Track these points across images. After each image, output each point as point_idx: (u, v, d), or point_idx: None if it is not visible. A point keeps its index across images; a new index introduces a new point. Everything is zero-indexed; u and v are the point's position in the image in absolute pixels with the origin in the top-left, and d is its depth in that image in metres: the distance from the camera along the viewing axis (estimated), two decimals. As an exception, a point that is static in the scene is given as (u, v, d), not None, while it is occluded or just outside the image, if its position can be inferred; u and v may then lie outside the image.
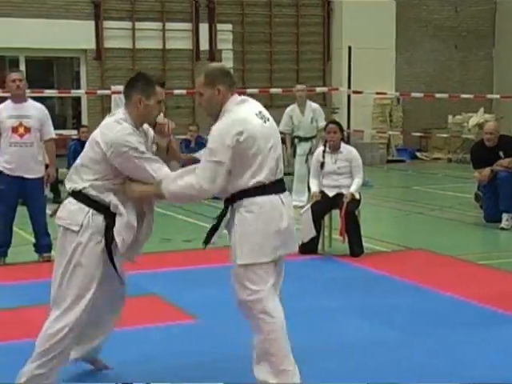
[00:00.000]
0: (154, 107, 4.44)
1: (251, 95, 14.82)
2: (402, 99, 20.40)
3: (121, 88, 16.36)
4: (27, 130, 8.01)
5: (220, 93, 4.26)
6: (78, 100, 18.90)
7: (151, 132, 4.60)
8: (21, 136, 7.99)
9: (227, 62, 19.60)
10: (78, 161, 4.48)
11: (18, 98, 8.08)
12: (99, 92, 17.59)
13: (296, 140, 12.18)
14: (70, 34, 17.82)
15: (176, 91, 17.06)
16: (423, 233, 10.08)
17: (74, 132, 16.30)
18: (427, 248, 8.78)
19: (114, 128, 4.32)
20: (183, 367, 4.98)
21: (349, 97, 18.58)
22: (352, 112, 18.58)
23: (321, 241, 8.65)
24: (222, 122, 4.20)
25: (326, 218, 8.77)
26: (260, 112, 4.29)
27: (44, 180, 8.29)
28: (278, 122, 13.84)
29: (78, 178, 4.41)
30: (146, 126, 4.55)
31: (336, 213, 8.61)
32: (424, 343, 5.46)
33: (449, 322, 6.01)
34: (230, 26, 19.65)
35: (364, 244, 8.56)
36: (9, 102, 8.14)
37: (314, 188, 8.65)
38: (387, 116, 20.46)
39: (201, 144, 13.82)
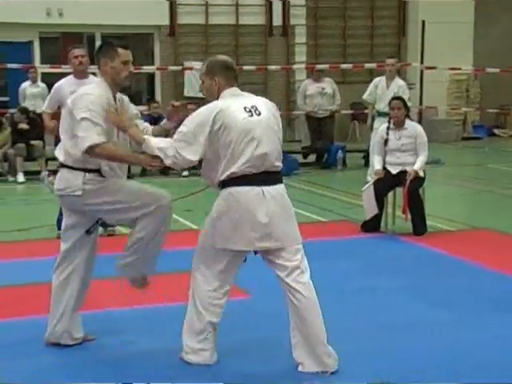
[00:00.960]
0: (120, 68, 4.78)
1: (322, 71, 14.83)
2: (478, 75, 19.89)
3: (194, 64, 16.55)
4: None
5: (217, 84, 4.49)
6: (152, 76, 19.07)
7: (126, 99, 5.10)
8: None
9: (300, 37, 19.49)
10: None
11: (80, 74, 8.15)
12: (171, 68, 17.64)
13: (375, 114, 12.01)
14: (145, 11, 17.96)
15: (247, 67, 16.96)
16: (491, 212, 9.84)
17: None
18: (494, 228, 8.56)
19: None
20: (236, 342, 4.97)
21: (421, 72, 18.20)
22: (425, 88, 18.20)
23: (384, 219, 8.52)
24: (206, 106, 4.42)
25: (390, 195, 8.64)
26: (252, 106, 4.42)
27: None
28: (351, 98, 13.39)
29: None
30: (119, 95, 4.97)
31: (400, 191, 8.46)
32: (480, 326, 5.31)
33: (509, 306, 5.83)
34: (303, 1, 19.44)
35: (429, 223, 8.41)
36: (71, 77, 8.21)
37: (377, 165, 8.51)
38: (464, 92, 19.99)
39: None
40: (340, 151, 13.99)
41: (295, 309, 4.47)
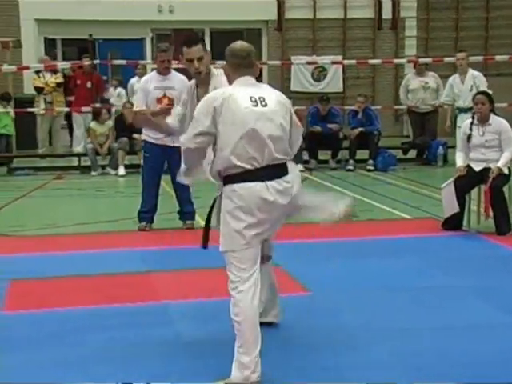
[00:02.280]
0: (187, 64, 5.42)
1: (426, 65, 14.33)
2: None
3: (301, 58, 16.59)
4: (171, 101, 8.25)
5: (226, 71, 4.51)
6: (260, 69, 19.20)
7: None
8: None
9: (410, 30, 19.16)
10: None
11: (164, 70, 8.34)
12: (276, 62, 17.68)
13: (456, 111, 11.73)
14: (253, 6, 18.13)
15: (373, 61, 16.81)
16: None
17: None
18: None
19: None
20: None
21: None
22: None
23: (466, 217, 8.28)
24: (213, 92, 4.44)
25: (475, 193, 8.39)
26: (260, 97, 4.23)
27: None
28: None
29: None
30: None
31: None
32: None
33: None
34: (414, -7, 19.14)
35: (514, 222, 8.11)
36: (154, 73, 8.45)
37: (459, 162, 8.28)
38: None
39: (368, 115, 13.59)
40: (441, 147, 13.66)
41: None
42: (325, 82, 18.71)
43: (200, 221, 8.86)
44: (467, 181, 8.10)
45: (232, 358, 4.20)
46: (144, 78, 8.61)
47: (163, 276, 6.54)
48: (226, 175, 4.27)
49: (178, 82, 8.39)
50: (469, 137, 8.21)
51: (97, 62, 16.01)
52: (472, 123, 8.24)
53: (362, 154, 13.59)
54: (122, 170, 13.01)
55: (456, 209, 8.04)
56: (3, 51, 15.61)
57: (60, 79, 15.24)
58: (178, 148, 8.18)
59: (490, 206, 7.94)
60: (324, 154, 13.99)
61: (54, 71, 15.18)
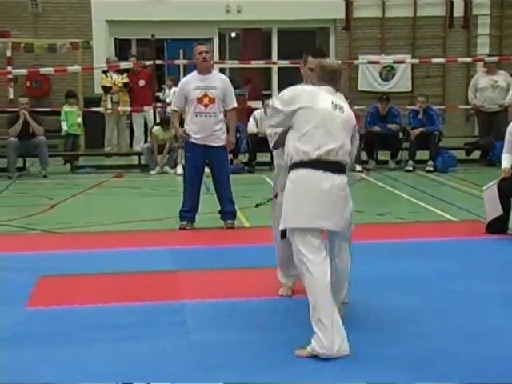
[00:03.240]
0: (305, 73, 5.53)
1: (495, 63, 13.95)
2: None
3: (369, 57, 16.45)
4: (212, 100, 8.30)
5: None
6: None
7: None
8: (205, 106, 8.28)
9: (483, 28, 18.74)
10: None
11: (204, 70, 8.37)
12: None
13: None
14: (321, 5, 18.05)
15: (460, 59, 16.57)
16: None
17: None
18: None
19: None
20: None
21: None
22: None
23: (512, 220, 8.07)
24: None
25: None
26: (338, 105, 4.85)
27: (227, 148, 8.57)
28: None
29: None
30: None
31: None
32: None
33: None
34: (488, -9, 18.70)
35: None
36: (195, 73, 8.46)
37: (505, 164, 8.05)
38: None
39: (429, 115, 13.37)
40: (505, 148, 13.29)
41: None
42: (393, 81, 18.49)
43: (243, 220, 8.94)
44: (511, 183, 7.88)
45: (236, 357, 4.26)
46: (184, 79, 8.66)
47: (191, 275, 6.57)
48: None
49: (219, 81, 8.45)
50: (516, 138, 7.99)
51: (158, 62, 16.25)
52: (519, 124, 8.01)
53: (423, 154, 13.37)
54: (180, 169, 13.07)
55: (499, 212, 7.84)
56: (73, 52, 15.97)
57: (126, 79, 15.52)
58: (220, 148, 8.38)
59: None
60: (384, 155, 13.83)
61: (121, 71, 15.47)
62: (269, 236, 8.05)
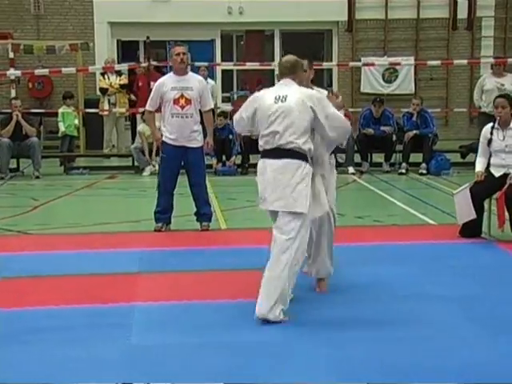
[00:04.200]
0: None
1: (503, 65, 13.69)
2: None
3: (371, 59, 16.23)
4: (188, 101, 8.28)
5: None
6: (330, 72, 19.03)
7: None
8: (182, 107, 8.26)
9: (487, 30, 18.57)
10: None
11: (181, 71, 8.35)
12: (351, 64, 17.41)
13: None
14: (323, 7, 17.97)
15: (429, 62, 16.33)
16: None
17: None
18: None
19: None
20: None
21: None
22: None
23: (487, 224, 7.97)
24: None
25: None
26: (283, 95, 5.47)
27: (203, 149, 8.55)
28: None
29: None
30: None
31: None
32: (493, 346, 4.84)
33: None
34: (492, -8, 18.53)
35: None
36: (171, 74, 8.44)
37: (478, 167, 7.98)
38: None
39: (424, 117, 13.26)
40: (501, 152, 13.15)
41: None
42: (396, 83, 18.37)
43: (221, 222, 8.91)
44: (485, 187, 7.80)
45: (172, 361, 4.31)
46: (159, 80, 8.62)
47: (151, 278, 6.55)
48: None
49: (196, 82, 8.43)
50: (489, 141, 7.90)
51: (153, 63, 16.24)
52: (493, 127, 7.92)
53: (417, 157, 13.27)
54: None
55: (472, 215, 7.75)
56: (72, 53, 16.03)
57: (124, 81, 15.56)
58: (197, 149, 8.36)
59: (508, 212, 7.61)
60: (379, 157, 13.74)
61: (119, 73, 15.50)
62: (243, 238, 8.12)
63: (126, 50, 18.81)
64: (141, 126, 13.50)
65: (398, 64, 16.95)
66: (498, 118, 7.83)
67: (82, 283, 6.33)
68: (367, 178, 12.60)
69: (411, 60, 17.37)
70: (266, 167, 5.42)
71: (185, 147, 8.35)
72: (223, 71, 18.76)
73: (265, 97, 5.55)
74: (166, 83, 8.36)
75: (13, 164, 13.35)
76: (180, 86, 8.29)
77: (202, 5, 17.87)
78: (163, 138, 8.42)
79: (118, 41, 18.46)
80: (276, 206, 5.37)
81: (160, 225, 8.49)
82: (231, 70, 19.20)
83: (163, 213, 8.48)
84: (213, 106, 8.67)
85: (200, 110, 8.49)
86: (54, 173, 13.51)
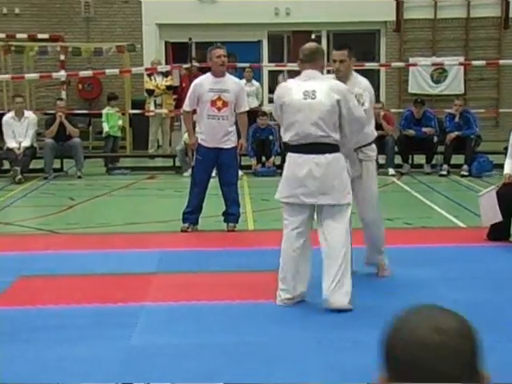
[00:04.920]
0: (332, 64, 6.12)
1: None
2: None
3: (419, 60, 16.04)
4: (225, 103, 8.27)
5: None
6: (377, 73, 18.86)
7: None
8: (218, 109, 8.26)
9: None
10: None
11: (220, 73, 8.34)
12: (394, 64, 17.27)
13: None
14: (371, 7, 17.82)
15: (476, 62, 16.04)
16: None
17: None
18: None
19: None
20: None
21: None
22: None
23: (515, 227, 7.81)
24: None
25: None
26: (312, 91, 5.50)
27: (237, 150, 8.55)
28: None
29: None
30: None
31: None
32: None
33: None
34: (546, -11, 18.11)
35: None
36: (209, 75, 8.43)
37: (506, 169, 7.82)
38: None
39: (466, 118, 13.04)
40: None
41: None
42: (445, 83, 18.12)
43: (250, 223, 8.90)
44: (512, 189, 7.63)
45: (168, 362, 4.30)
46: (197, 80, 8.62)
47: (167, 278, 6.59)
48: None
49: (233, 84, 8.42)
50: (518, 143, 7.74)
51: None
52: (521, 128, 7.75)
53: (460, 158, 13.06)
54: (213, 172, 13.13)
55: (498, 218, 7.59)
56: (119, 55, 16.24)
57: (170, 82, 15.68)
58: (230, 149, 8.36)
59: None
60: (421, 158, 13.57)
61: (166, 74, 15.65)
62: (267, 240, 8.10)
63: (179, 52, 18.95)
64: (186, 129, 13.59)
65: (441, 64, 16.71)
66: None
67: (96, 283, 6.41)
68: (407, 180, 12.46)
69: (460, 60, 17.13)
70: (305, 162, 5.49)
71: (218, 148, 8.36)
72: (270, 72, 18.75)
73: (292, 92, 5.57)
74: (204, 84, 8.34)
75: (57, 164, 13.58)
76: (217, 88, 8.27)
77: (248, 6, 17.90)
78: (200, 141, 8.42)
79: (165, 42, 18.62)
80: (325, 200, 5.50)
81: (187, 225, 8.53)
82: (281, 71, 19.19)
83: (192, 213, 8.51)
84: (248, 108, 8.67)
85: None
86: (97, 173, 13.70)
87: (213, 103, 8.27)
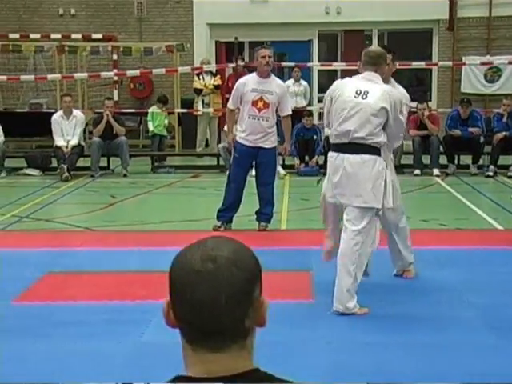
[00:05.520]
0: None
1: None
2: None
3: (473, 59, 15.88)
4: (266, 105, 8.25)
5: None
6: (430, 72, 18.63)
7: None
8: (259, 110, 8.23)
9: None
10: None
11: (265, 73, 8.30)
12: (441, 64, 16.99)
13: None
14: (423, 6, 17.61)
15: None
16: None
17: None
18: None
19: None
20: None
21: None
22: None
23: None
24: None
25: None
26: (364, 91, 5.52)
27: (276, 150, 8.54)
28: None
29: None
30: None
31: None
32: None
33: None
34: None
35: None
36: (254, 75, 8.41)
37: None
38: None
39: (515, 118, 12.77)
40: None
41: None
42: (499, 82, 17.77)
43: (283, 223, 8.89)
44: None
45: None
46: (241, 79, 8.63)
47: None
48: None
49: (277, 87, 8.39)
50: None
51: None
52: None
53: (508, 159, 12.82)
54: (253, 171, 13.14)
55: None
56: (169, 55, 16.39)
57: (218, 81, 15.77)
58: (270, 149, 8.36)
59: None
60: (468, 159, 13.37)
61: (214, 73, 15.75)
62: (295, 239, 8.09)
63: (230, 51, 19.01)
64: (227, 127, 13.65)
65: (490, 63, 16.43)
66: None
67: (119, 280, 6.50)
68: (451, 181, 12.28)
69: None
70: (343, 161, 5.55)
71: (258, 147, 8.37)
72: (319, 71, 18.69)
73: (345, 88, 5.63)
74: (248, 83, 8.33)
75: (104, 162, 13.78)
76: (261, 89, 8.25)
77: (299, 5, 17.86)
78: (237, 138, 8.45)
79: (216, 42, 18.71)
80: (355, 201, 5.50)
81: (219, 223, 8.56)
82: (335, 70, 19.13)
83: (226, 211, 8.53)
84: (290, 112, 8.65)
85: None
86: (143, 171, 13.85)
87: (254, 103, 8.24)
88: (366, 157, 5.53)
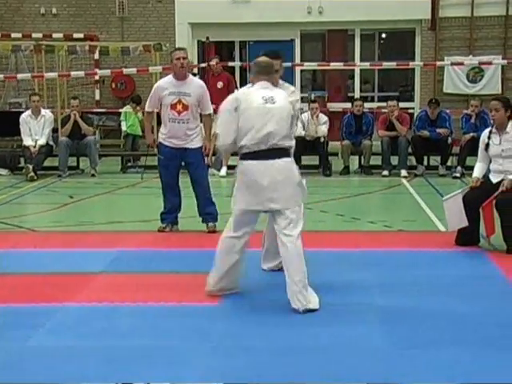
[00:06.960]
0: None
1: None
2: None
3: (456, 58, 15.80)
4: (185, 107, 8.17)
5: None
6: (412, 72, 18.50)
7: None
8: (178, 113, 8.16)
9: None
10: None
11: (181, 76, 8.24)
12: (412, 64, 16.87)
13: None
14: (405, 6, 17.51)
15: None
16: None
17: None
18: None
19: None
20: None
21: None
22: None
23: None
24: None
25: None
26: (270, 97, 5.62)
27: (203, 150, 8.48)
28: None
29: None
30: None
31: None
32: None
33: None
34: None
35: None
36: (171, 77, 8.34)
37: (475, 173, 7.55)
38: None
39: (483, 120, 12.66)
40: None
41: (283, 257, 5.61)
42: (481, 83, 17.64)
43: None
44: (480, 193, 7.32)
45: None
46: (159, 82, 8.54)
47: (109, 278, 6.52)
48: None
49: (195, 87, 8.31)
50: (487, 146, 7.46)
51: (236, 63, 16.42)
52: (491, 131, 7.47)
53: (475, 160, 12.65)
54: (223, 171, 13.12)
55: (464, 223, 7.32)
56: (150, 54, 16.33)
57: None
58: (195, 149, 8.30)
59: (499, 218, 7.18)
60: (437, 160, 13.25)
61: (194, 74, 15.66)
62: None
63: (223, 51, 18.97)
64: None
65: (461, 64, 16.34)
66: (493, 121, 7.38)
67: (35, 282, 6.37)
68: (417, 182, 12.18)
69: (499, 59, 16.65)
70: (266, 168, 5.55)
71: (183, 148, 8.32)
72: (302, 71, 18.61)
73: (251, 97, 5.65)
74: (166, 87, 8.25)
75: (73, 162, 13.75)
76: (178, 91, 8.17)
77: (281, 5, 17.81)
78: (160, 140, 8.41)
79: (198, 41, 18.67)
80: (288, 203, 5.58)
81: (164, 225, 8.49)
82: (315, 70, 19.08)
83: (169, 214, 8.49)
84: (212, 111, 8.56)
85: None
86: (114, 171, 13.80)
87: (173, 106, 8.15)
88: (287, 159, 5.67)
